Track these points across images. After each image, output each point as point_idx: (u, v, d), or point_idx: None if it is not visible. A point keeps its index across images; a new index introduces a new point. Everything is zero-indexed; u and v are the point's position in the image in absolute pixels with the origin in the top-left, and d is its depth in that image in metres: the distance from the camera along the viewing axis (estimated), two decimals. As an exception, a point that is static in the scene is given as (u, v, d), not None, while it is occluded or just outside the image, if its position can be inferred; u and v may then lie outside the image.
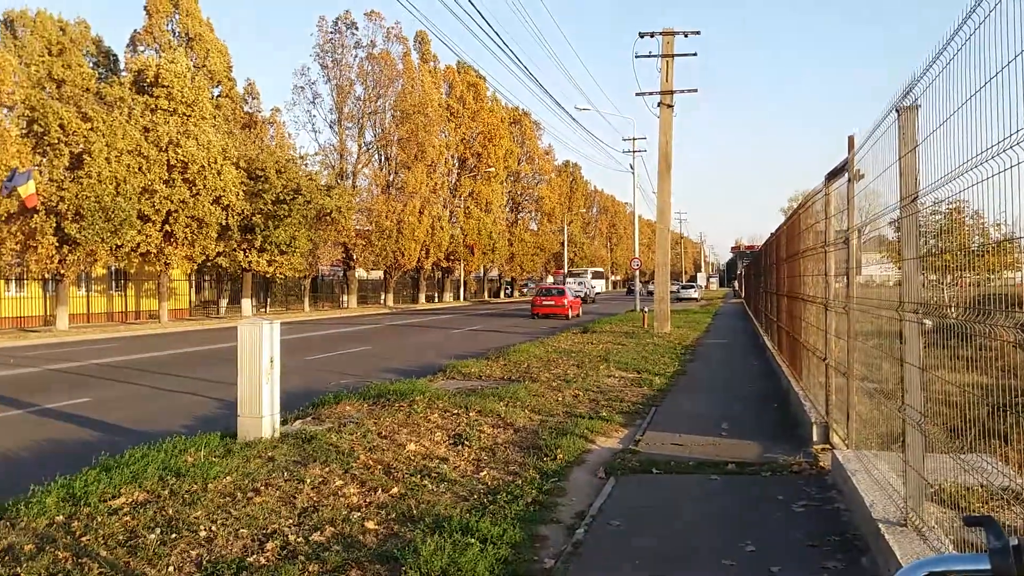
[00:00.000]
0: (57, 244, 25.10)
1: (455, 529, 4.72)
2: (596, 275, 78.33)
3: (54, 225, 24.80)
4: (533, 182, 71.53)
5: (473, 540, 4.54)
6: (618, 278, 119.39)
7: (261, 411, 7.35)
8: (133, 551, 4.49)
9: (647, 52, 23.46)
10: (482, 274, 70.83)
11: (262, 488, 5.73)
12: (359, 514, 5.19)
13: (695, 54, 23.50)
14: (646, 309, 26.12)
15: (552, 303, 34.02)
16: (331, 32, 45.07)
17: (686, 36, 23.14)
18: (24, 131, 24.62)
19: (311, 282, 44.37)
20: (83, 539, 4.66)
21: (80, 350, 19.66)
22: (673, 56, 23.16)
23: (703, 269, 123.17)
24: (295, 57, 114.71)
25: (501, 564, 4.31)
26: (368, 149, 47.16)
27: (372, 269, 52.65)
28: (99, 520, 4.97)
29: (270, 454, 6.69)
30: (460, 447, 7.22)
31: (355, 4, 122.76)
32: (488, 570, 4.18)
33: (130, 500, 5.41)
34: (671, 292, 26.36)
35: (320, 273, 47.61)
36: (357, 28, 45.59)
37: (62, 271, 26.10)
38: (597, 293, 69.55)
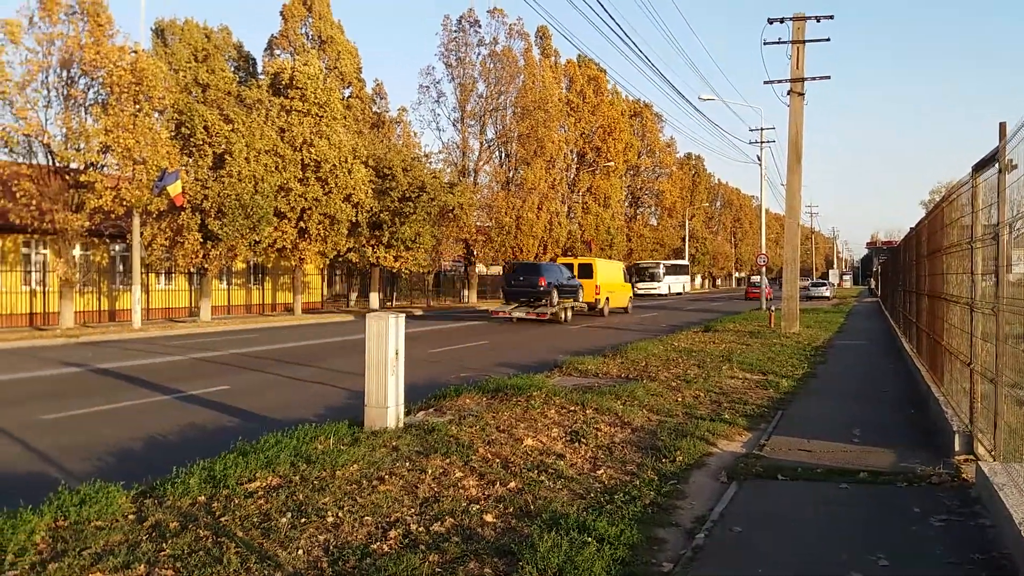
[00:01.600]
0: (201, 240, 26.88)
1: (572, 527, 4.72)
2: (674, 269, 67.40)
3: (199, 222, 26.58)
4: (653, 176, 70.33)
5: (590, 539, 4.52)
6: (742, 274, 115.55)
7: (386, 402, 7.61)
8: (266, 533, 4.75)
9: (776, 39, 22.62)
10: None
11: (386, 477, 5.93)
12: (478, 507, 5.28)
13: (828, 39, 22.41)
14: (772, 308, 25.20)
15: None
16: (455, 31, 45.97)
17: (818, 21, 22.11)
18: (173, 133, 26.47)
19: (434, 277, 45.47)
20: (222, 519, 4.98)
21: (221, 340, 20.98)
22: (804, 42, 22.19)
23: (835, 266, 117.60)
24: (422, 58, 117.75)
25: (618, 565, 4.27)
26: (489, 146, 47.81)
27: (491, 265, 53.37)
28: (236, 502, 5.29)
29: (394, 444, 6.91)
30: (577, 444, 7.21)
31: (479, 2, 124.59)
32: (605, 570, 4.16)
33: (264, 484, 5.72)
34: (800, 290, 25.16)
35: (442, 268, 48.75)
36: (480, 26, 46.27)
37: (206, 265, 27.94)
38: (677, 293, 65.28)
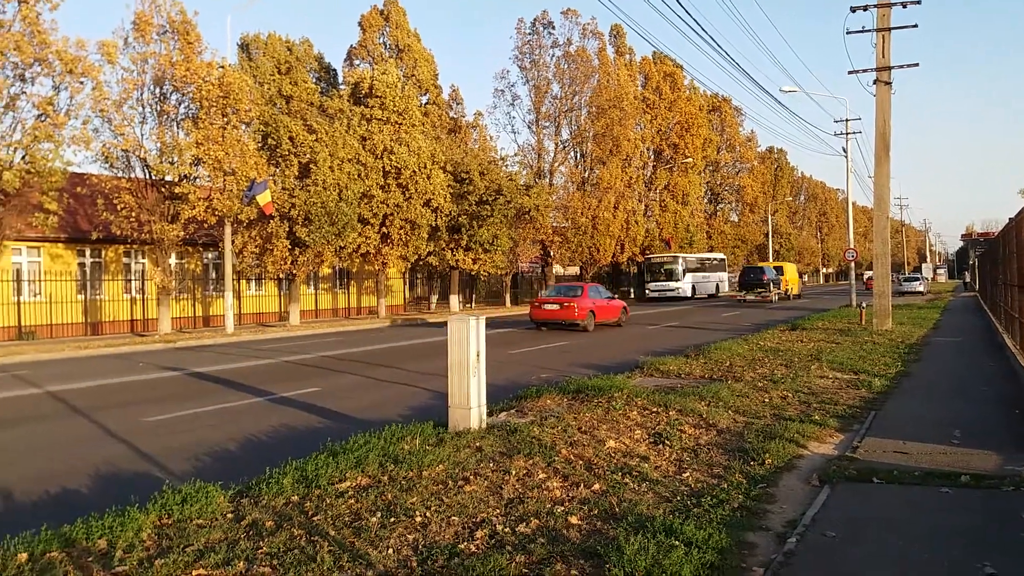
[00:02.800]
0: (289, 247, 27.79)
1: (658, 530, 4.68)
2: (702, 265, 52.56)
3: (287, 229, 27.49)
4: (734, 171, 68.70)
5: (677, 542, 4.47)
6: (831, 270, 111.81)
7: (469, 403, 7.70)
8: (357, 532, 4.88)
9: (859, 27, 21.83)
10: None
11: (471, 477, 6.01)
12: (562, 508, 5.29)
13: (915, 25, 21.49)
14: (863, 304, 24.31)
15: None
16: (529, 33, 46.10)
17: (904, 7, 21.20)
18: (260, 144, 27.45)
19: (511, 279, 45.72)
20: (315, 519, 5.14)
21: (309, 343, 21.62)
22: (890, 29, 21.33)
23: (928, 259, 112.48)
24: (496, 62, 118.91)
25: (707, 569, 4.22)
26: (564, 147, 47.74)
27: (568, 265, 53.23)
28: (328, 502, 5.45)
29: (478, 444, 6.99)
30: (661, 446, 7.13)
31: (552, 4, 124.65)
32: (693, 574, 4.11)
33: (354, 484, 5.88)
34: (892, 285, 24.18)
35: (520, 270, 48.96)
36: (554, 27, 46.27)
37: (294, 271, 28.86)
38: (711, 295, 52.33)
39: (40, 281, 25.16)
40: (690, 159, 55.33)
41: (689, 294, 49.04)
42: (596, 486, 5.81)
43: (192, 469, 7.06)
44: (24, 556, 4.48)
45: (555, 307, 24.25)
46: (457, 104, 46.18)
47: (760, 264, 53.96)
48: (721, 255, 58.71)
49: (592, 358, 15.90)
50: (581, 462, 6.48)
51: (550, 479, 6.00)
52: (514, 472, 6.13)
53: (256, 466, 6.63)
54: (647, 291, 49.18)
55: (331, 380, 13.39)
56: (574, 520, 5.05)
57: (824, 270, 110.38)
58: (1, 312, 23.65)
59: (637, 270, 58.40)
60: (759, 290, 44.76)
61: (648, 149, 55.02)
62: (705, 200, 66.00)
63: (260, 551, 4.58)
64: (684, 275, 48.28)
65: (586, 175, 47.54)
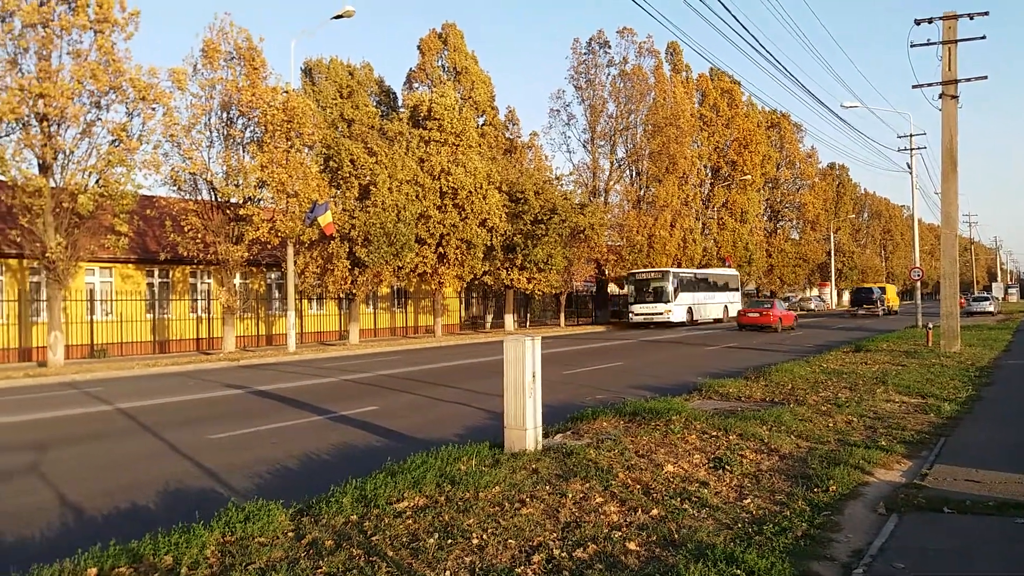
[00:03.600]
0: (349, 267, 28.32)
1: (719, 558, 4.58)
2: (701, 284, 44.78)
3: (347, 250, 28.04)
4: (794, 188, 67.49)
5: (739, 571, 4.38)
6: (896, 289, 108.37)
7: (525, 424, 7.69)
8: (415, 553, 4.90)
9: (924, 40, 21.31)
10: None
11: (528, 500, 5.99)
12: (620, 533, 5.23)
13: (983, 37, 20.85)
14: (930, 326, 23.54)
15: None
16: (585, 53, 46.30)
17: (971, 18, 20.62)
18: (322, 167, 28.13)
19: (566, 298, 45.65)
20: (373, 539, 5.18)
21: (368, 362, 21.92)
22: (956, 42, 20.77)
23: (999, 278, 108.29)
24: (552, 83, 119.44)
25: (769, 600, 4.11)
26: (619, 165, 47.65)
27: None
28: (386, 521, 5.49)
29: (534, 466, 6.97)
30: (720, 471, 7.00)
31: (607, 23, 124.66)
32: (755, 605, 4.01)
33: (412, 504, 5.92)
34: (961, 306, 23.37)
35: (574, 289, 48.85)
36: (610, 47, 46.39)
37: (354, 291, 29.37)
38: (716, 319, 44.87)
39: (111, 300, 26.13)
40: (748, 176, 54.57)
41: (682, 319, 40.57)
42: (654, 511, 5.73)
43: (254, 486, 7.21)
44: (94, 571, 4.62)
45: (756, 315, 36.37)
46: (513, 125, 46.56)
47: (868, 285, 62.72)
48: (732, 271, 50.26)
49: (647, 379, 15.73)
50: (639, 486, 6.40)
51: (607, 503, 5.94)
52: (571, 495, 6.09)
53: (315, 484, 6.74)
54: (630, 315, 41.15)
55: (388, 399, 13.54)
56: (632, 546, 4.99)
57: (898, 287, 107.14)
58: (75, 330, 24.60)
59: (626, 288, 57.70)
60: (868, 306, 53.83)
61: (705, 166, 54.50)
62: (764, 218, 64.95)
63: (320, 570, 4.64)
64: (676, 295, 40.24)
65: (642, 193, 47.30)
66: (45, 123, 19.79)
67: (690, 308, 42.14)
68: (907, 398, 11.75)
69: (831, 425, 9.36)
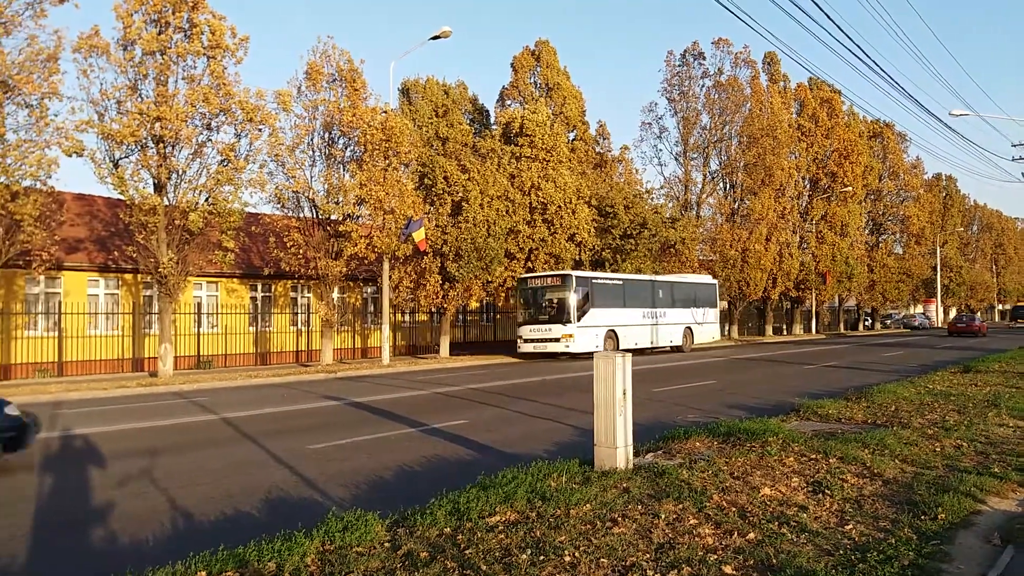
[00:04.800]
0: (441, 281, 28.84)
1: (819, 587, 4.43)
2: (639, 295, 31.92)
3: (439, 265, 28.57)
4: (897, 200, 64.56)
5: (840, 602, 4.22)
6: (1006, 306, 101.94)
7: (615, 442, 7.64)
8: (508, 568, 4.94)
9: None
10: (837, 304, 65.37)
11: (619, 519, 5.95)
12: (715, 556, 5.13)
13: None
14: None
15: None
16: (678, 65, 45.84)
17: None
18: (417, 184, 28.81)
19: (657, 313, 45.03)
20: (466, 552, 5.25)
21: (458, 375, 22.22)
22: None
23: None
24: (643, 96, 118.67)
25: (873, 633, 3.95)
26: (713, 178, 46.81)
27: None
28: (479, 536, 5.56)
29: (625, 485, 6.92)
30: (820, 496, 6.76)
31: (701, 36, 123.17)
32: (858, 638, 3.86)
33: (503, 519, 5.97)
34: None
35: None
36: (704, 58, 45.78)
37: (445, 305, 29.87)
38: (674, 346, 33.66)
39: (217, 314, 27.42)
40: (849, 188, 52.61)
41: (589, 347, 27.57)
42: (751, 535, 5.59)
43: (350, 496, 7.42)
44: (203, 575, 4.86)
45: (963, 325, 50.50)
46: (604, 139, 46.47)
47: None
48: (707, 279, 37.95)
49: (741, 399, 15.34)
50: (734, 509, 6.26)
51: (701, 525, 5.83)
52: (663, 516, 6.01)
53: (409, 495, 6.88)
54: (519, 341, 29.15)
55: (477, 412, 13.68)
56: (728, 570, 4.88)
57: (1000, 307, 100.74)
58: (183, 342, 25.93)
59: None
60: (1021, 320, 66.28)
61: (803, 178, 52.90)
62: (866, 231, 62.38)
63: (414, 582, 4.74)
64: (580, 311, 27.84)
65: (736, 206, 46.31)
66: (161, 145, 21.04)
67: (612, 332, 29.18)
68: (1023, 423, 11.05)
69: (938, 449, 8.89)
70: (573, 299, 27.86)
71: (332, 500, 7.24)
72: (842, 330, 63.88)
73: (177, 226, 21.42)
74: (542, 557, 5.12)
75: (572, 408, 13.79)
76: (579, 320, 27.97)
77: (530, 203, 31.80)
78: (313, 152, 25.96)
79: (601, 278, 30.41)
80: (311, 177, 25.77)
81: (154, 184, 21.38)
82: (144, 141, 20.83)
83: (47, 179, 19.12)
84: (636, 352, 26.86)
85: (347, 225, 25.06)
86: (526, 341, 28.81)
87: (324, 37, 34.69)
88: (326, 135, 26.00)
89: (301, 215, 25.91)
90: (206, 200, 21.77)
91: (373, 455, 9.70)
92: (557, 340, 27.71)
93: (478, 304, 36.32)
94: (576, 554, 5.17)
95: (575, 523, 5.82)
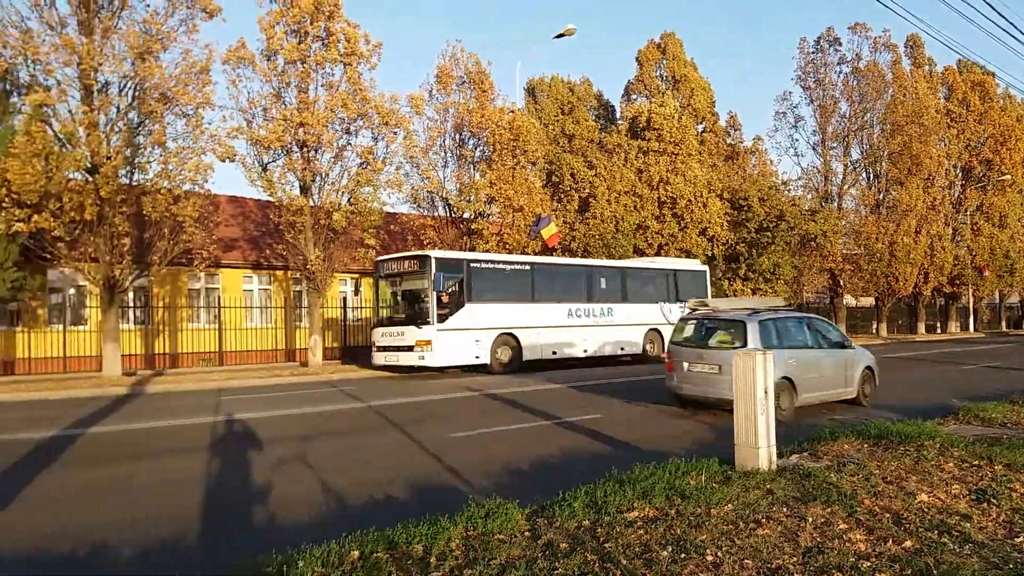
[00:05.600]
0: (570, 277, 28.91)
1: (988, 600, 4.15)
2: (560, 283, 23.63)
3: (568, 260, 28.69)
4: (1067, 188, 58.87)
5: (1013, 617, 3.94)
6: None
7: (757, 442, 7.44)
8: (648, 564, 4.92)
9: None
10: (998, 300, 60.45)
11: (763, 520, 5.79)
12: (868, 564, 4.90)
13: None
14: None
15: None
16: (813, 52, 43.78)
17: None
18: (544, 182, 29.05)
19: (796, 310, 43.37)
20: (606, 545, 5.28)
21: (590, 371, 22.20)
22: None
23: None
24: (776, 86, 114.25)
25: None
26: (855, 168, 44.41)
27: (861, 296, 49.10)
28: (617, 530, 5.57)
29: (768, 487, 6.72)
30: (985, 504, 6.31)
31: (836, 21, 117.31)
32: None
33: (642, 515, 5.95)
34: None
35: (805, 301, 46.17)
36: (840, 44, 43.50)
37: (575, 301, 29.92)
38: (634, 354, 25.40)
39: (360, 308, 28.71)
40: (1008, 176, 48.48)
41: (454, 360, 20.35)
42: (907, 543, 5.30)
43: (490, 484, 7.59)
44: (356, 554, 5.12)
45: None
46: (735, 130, 45.11)
47: None
48: (691, 263, 29.27)
49: (893, 399, 14.51)
50: (887, 515, 5.95)
51: (852, 530, 5.59)
52: (810, 519, 5.80)
53: (545, 486, 6.97)
54: (373, 348, 21.81)
55: (611, 407, 13.65)
56: (883, 578, 4.66)
57: None
58: (329, 334, 27.32)
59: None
60: None
61: (955, 166, 49.25)
62: (1030, 222, 57.27)
63: (556, 572, 4.80)
64: (445, 308, 20.34)
65: (880, 197, 43.73)
66: (304, 149, 22.23)
67: (509, 336, 21.53)
68: None
69: (1125, 460, 8.08)
70: (434, 291, 19.85)
71: (473, 488, 7.44)
72: (1004, 328, 59.07)
73: (322, 225, 22.58)
74: (683, 555, 5.07)
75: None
76: (443, 320, 20.06)
77: (659, 198, 31.34)
78: (445, 153, 26.70)
79: (488, 261, 22.02)
80: (444, 177, 26.53)
81: (300, 186, 22.62)
82: (289, 146, 22.07)
83: (204, 183, 20.59)
84: (570, 362, 23.32)
85: (479, 223, 25.61)
86: (379, 349, 21.29)
87: (453, 41, 35.98)
88: (457, 136, 26.66)
89: (435, 214, 26.70)
90: (348, 200, 22.83)
91: (510, 445, 9.89)
92: (410, 349, 20.18)
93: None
94: (719, 554, 5.08)
95: (716, 522, 5.72)
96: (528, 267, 22.87)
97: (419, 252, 21.50)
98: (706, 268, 28.70)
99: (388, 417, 12.62)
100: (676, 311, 25.13)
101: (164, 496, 7.48)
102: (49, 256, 19.17)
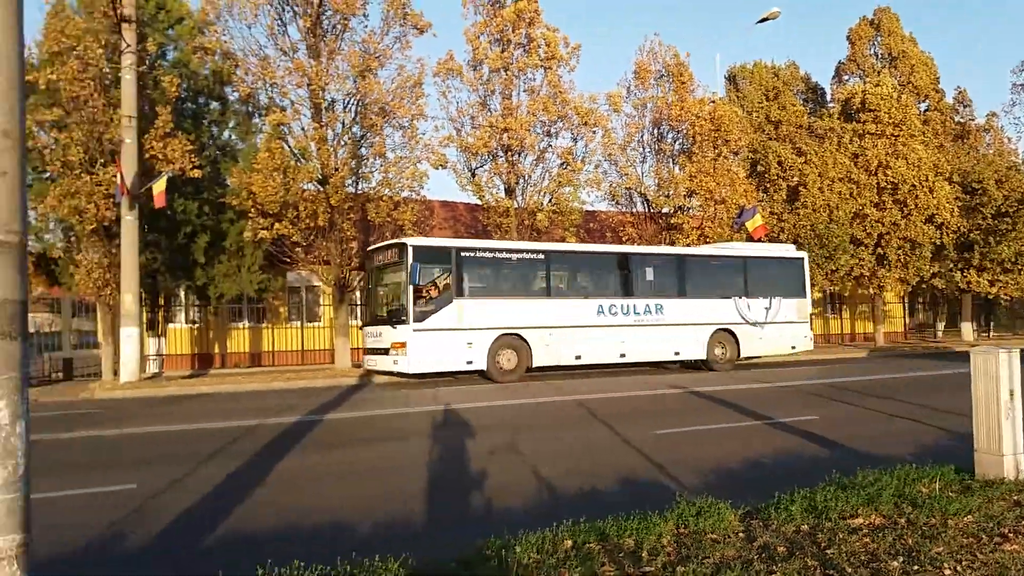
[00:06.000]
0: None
1: None
2: (709, 284, 21.73)
3: (775, 254, 27.44)
4: None
5: None
6: None
7: (1001, 448, 6.75)
8: (875, 574, 4.66)
9: None
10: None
11: (1010, 535, 5.26)
12: None
13: None
14: None
15: None
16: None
17: None
18: (748, 172, 27.98)
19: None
20: (827, 552, 5.05)
21: (800, 369, 21.17)
22: None
23: None
24: (1013, 55, 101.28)
25: None
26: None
27: None
28: (840, 536, 5.30)
29: (1016, 498, 6.08)
30: None
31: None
32: None
33: (867, 522, 5.62)
34: None
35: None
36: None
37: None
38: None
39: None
40: None
41: (435, 365, 17.86)
42: None
43: (698, 483, 7.50)
44: (569, 543, 5.28)
45: None
46: (964, 107, 40.79)
47: None
48: (784, 249, 24.26)
49: None
50: None
51: (1124, 552, 4.93)
52: (1069, 536, 5.19)
53: (756, 487, 6.78)
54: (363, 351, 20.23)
55: (827, 409, 12.93)
56: None
57: None
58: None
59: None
60: None
61: None
62: None
63: (774, 575, 4.68)
64: (426, 308, 17.72)
65: None
66: (509, 153, 23.08)
67: (514, 337, 18.69)
68: None
69: None
70: (410, 285, 17.30)
71: (681, 485, 7.39)
72: None
73: (526, 225, 23.33)
74: (916, 567, 4.74)
75: (940, 409, 12.39)
76: (423, 319, 17.49)
77: (877, 183, 29.10)
78: (643, 148, 26.56)
79: (485, 249, 19.10)
80: (642, 173, 26.39)
81: (505, 189, 23.52)
82: (495, 151, 23.02)
83: (420, 190, 22.01)
84: (604, 369, 20.76)
85: (678, 217, 25.19)
86: (365, 351, 19.56)
87: (651, 36, 35.80)
88: (655, 131, 26.42)
89: (634, 210, 26.62)
90: (549, 201, 23.40)
91: (716, 444, 9.71)
92: (385, 352, 18.01)
93: (821, 295, 34.11)
94: (958, 568, 4.70)
95: (954, 534, 5.28)
96: (541, 255, 19.55)
97: (396, 240, 18.82)
98: (803, 255, 23.87)
99: (593, 411, 12.80)
100: (759, 308, 22.05)
101: (391, 478, 8.14)
102: (288, 260, 21.41)
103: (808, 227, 26.68)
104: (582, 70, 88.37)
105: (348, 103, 21.01)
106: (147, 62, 19.42)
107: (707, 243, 25.21)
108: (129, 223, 18.17)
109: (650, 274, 20.86)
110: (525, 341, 18.60)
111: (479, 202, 23.60)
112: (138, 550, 5.79)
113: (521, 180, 23.36)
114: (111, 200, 18.18)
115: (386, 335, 17.96)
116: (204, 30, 21.16)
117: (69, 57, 17.86)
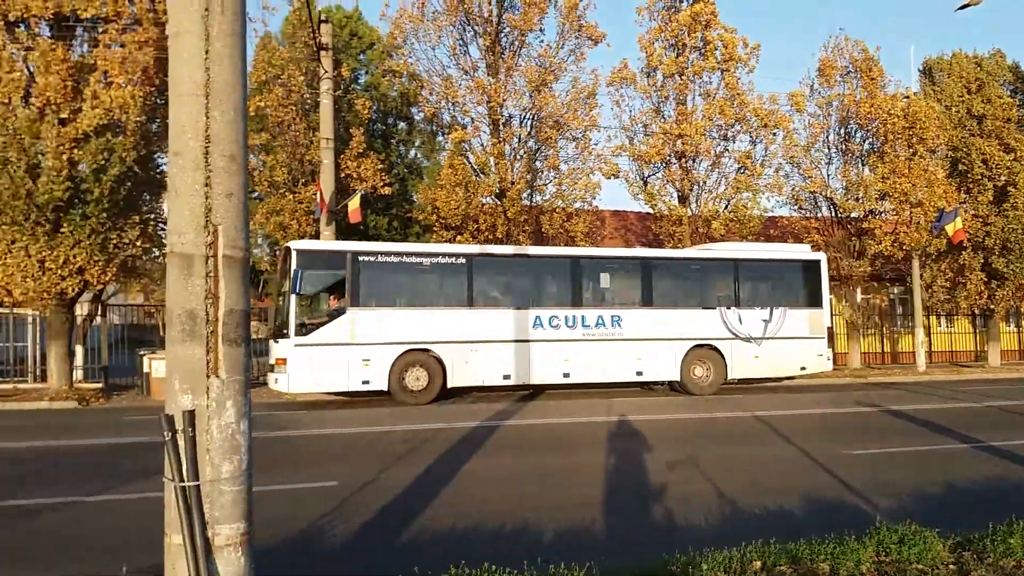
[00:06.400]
0: (985, 279, 25.22)
1: None
2: (686, 290, 18.61)
3: (981, 261, 25.04)
4: None
5: None
6: None
7: None
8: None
9: None
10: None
11: None
12: None
13: None
14: None
15: None
16: None
17: None
18: (948, 171, 25.73)
19: None
20: (1055, 590, 4.60)
21: (1012, 388, 19.22)
22: None
23: None
24: None
25: None
26: None
27: None
28: (1071, 575, 4.82)
29: None
30: None
31: None
32: None
33: (1102, 561, 5.05)
34: None
35: None
36: None
37: (991, 306, 26.02)
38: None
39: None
40: None
41: (319, 384, 15.74)
42: None
43: (896, 507, 7.05)
44: (758, 564, 5.14)
45: None
46: None
47: None
48: (796, 249, 20.53)
49: None
50: None
51: None
52: None
53: (963, 516, 6.27)
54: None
55: None
56: None
57: None
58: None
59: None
60: None
61: None
62: None
63: (991, 612, 4.33)
64: (312, 321, 15.74)
65: None
66: (682, 160, 22.71)
67: (423, 354, 16.22)
68: None
69: None
70: (292, 294, 15.32)
71: (877, 509, 6.97)
72: None
73: (700, 234, 22.82)
74: None
75: None
76: (307, 332, 15.48)
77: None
78: (829, 149, 25.14)
79: (389, 253, 16.57)
80: (828, 175, 24.98)
81: (678, 196, 23.15)
82: (668, 158, 22.73)
83: (592, 200, 22.15)
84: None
85: (869, 222, 23.62)
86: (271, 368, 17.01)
87: (836, 31, 33.83)
88: (842, 130, 24.94)
89: (819, 215, 25.27)
90: (726, 208, 22.74)
91: (914, 467, 9.08)
92: (272, 368, 16.09)
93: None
94: None
95: None
96: (463, 260, 16.82)
97: (285, 244, 16.71)
98: (820, 257, 19.70)
99: (776, 428, 12.32)
100: (755, 320, 18.40)
101: (578, 483, 8.26)
102: (468, 273, 22.29)
103: (1019, 231, 24.16)
104: (759, 70, 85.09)
105: (524, 118, 21.60)
106: (341, 86, 20.98)
107: (902, 249, 23.46)
108: (327, 238, 19.69)
109: (605, 280, 18.02)
110: (437, 358, 16.22)
111: (651, 211, 23.35)
112: (340, 545, 6.29)
113: (695, 187, 22.87)
114: (311, 216, 19.75)
115: (273, 350, 16.09)
116: (392, 54, 22.54)
117: (274, 85, 19.66)
